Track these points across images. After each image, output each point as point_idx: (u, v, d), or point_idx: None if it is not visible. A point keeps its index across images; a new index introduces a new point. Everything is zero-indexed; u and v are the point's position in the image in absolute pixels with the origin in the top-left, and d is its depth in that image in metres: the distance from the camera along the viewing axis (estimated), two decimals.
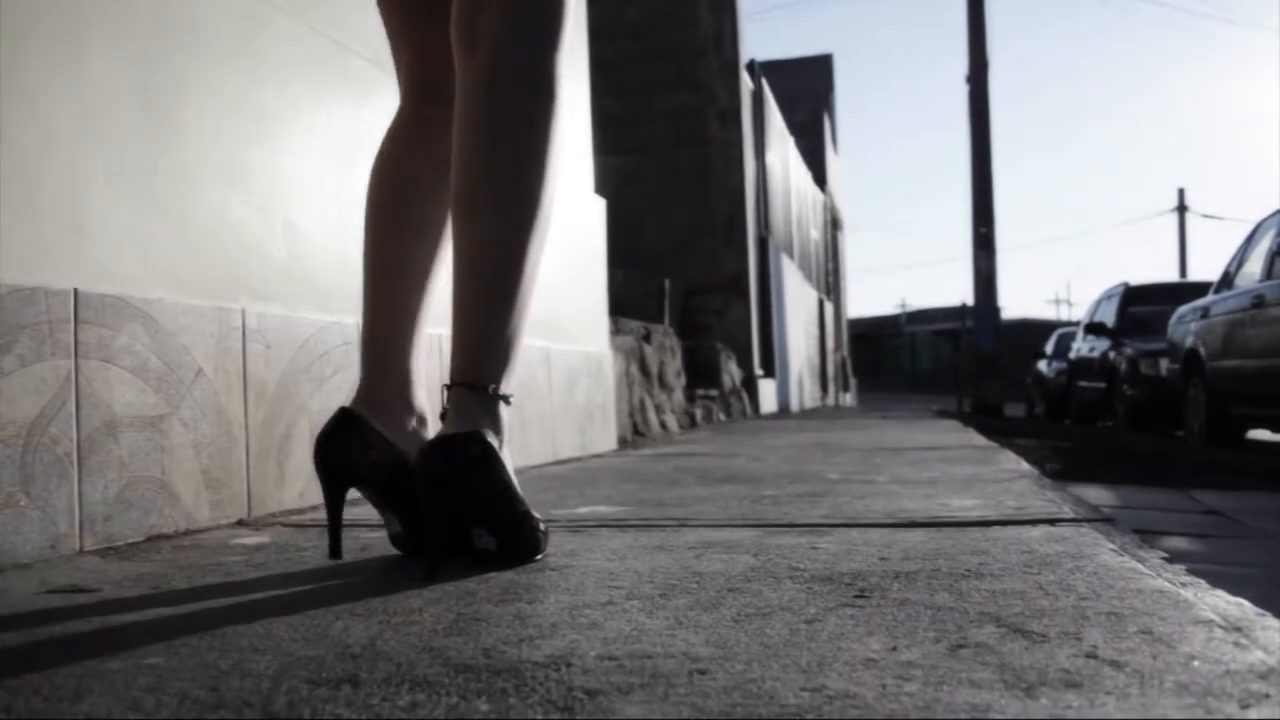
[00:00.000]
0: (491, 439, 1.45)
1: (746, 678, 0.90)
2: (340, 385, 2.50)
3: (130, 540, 1.84)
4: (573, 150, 4.41)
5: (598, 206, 4.71)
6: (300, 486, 2.33)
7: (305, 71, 2.48)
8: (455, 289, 1.53)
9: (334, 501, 1.56)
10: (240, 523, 2.12)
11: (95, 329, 1.79)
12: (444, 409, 1.49)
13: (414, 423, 1.59)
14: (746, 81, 10.65)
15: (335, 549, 1.59)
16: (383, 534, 1.88)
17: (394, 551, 1.66)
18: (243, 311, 2.19)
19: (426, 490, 1.39)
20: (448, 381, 1.50)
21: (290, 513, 2.27)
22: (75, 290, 1.76)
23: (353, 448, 1.50)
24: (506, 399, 1.51)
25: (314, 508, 2.35)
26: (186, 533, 1.97)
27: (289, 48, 2.42)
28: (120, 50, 1.91)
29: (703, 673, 0.92)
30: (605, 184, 5.07)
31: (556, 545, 1.72)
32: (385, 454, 1.51)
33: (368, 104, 2.72)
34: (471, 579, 1.41)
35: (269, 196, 2.32)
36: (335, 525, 1.58)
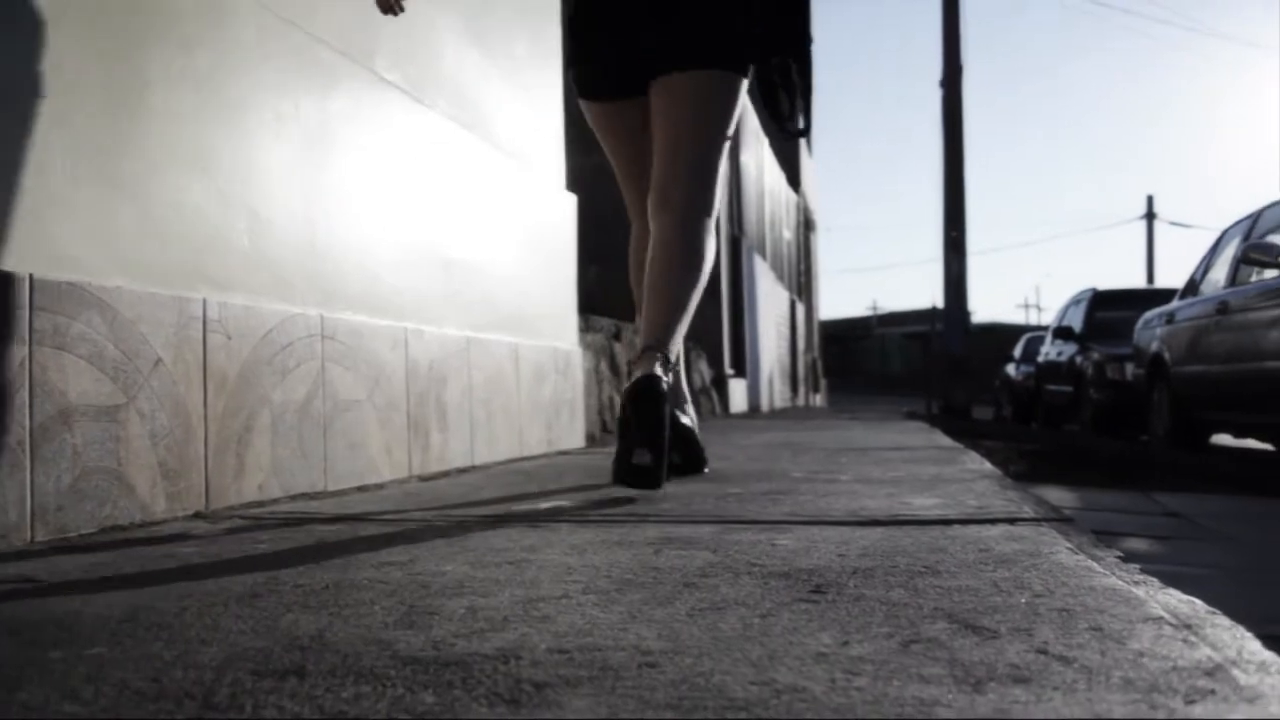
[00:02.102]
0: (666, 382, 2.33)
1: (696, 671, 0.90)
2: (304, 377, 2.48)
3: (83, 531, 1.81)
4: (543, 145, 4.40)
5: (568, 203, 4.70)
6: (260, 479, 2.31)
7: (273, 60, 2.45)
8: (653, 299, 2.49)
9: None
10: (197, 515, 2.10)
11: (51, 316, 1.76)
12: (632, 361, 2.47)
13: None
14: None
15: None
16: (338, 527, 1.87)
17: (358, 538, 1.65)
18: (204, 301, 2.16)
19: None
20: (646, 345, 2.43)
21: (249, 505, 2.24)
22: (31, 276, 1.73)
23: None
24: (670, 356, 2.38)
25: (273, 500, 2.33)
26: (142, 524, 1.94)
27: (257, 36, 2.40)
28: (85, 33, 1.88)
29: (652, 666, 0.92)
30: (579, 181, 5.05)
31: (515, 540, 1.71)
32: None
33: (336, 94, 2.70)
34: (428, 573, 1.41)
35: (233, 185, 2.29)
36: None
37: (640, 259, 2.66)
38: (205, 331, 2.16)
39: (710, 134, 2.58)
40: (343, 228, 2.71)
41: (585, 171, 8.76)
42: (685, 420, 2.75)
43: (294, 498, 2.40)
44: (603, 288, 7.19)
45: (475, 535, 1.77)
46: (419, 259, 3.15)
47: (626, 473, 2.19)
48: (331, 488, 2.57)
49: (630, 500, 2.24)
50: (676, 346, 2.44)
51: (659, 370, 2.25)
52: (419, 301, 3.13)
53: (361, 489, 2.67)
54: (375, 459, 2.81)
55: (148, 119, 2.04)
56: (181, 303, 2.10)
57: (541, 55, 4.46)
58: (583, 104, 2.81)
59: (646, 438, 2.17)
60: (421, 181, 3.19)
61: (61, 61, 1.84)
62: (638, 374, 2.25)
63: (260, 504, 2.28)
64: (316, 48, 2.63)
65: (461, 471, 3.26)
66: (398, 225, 3.03)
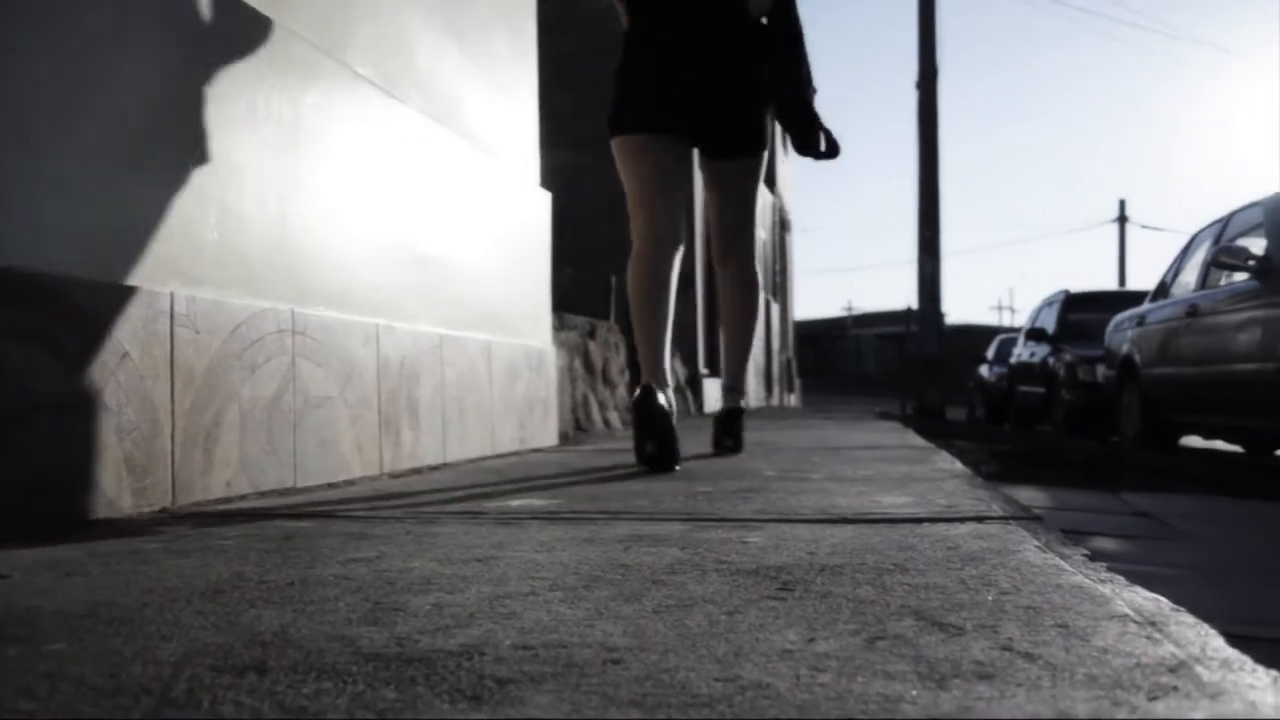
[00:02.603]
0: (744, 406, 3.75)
1: (661, 668, 0.89)
2: (274, 373, 2.46)
3: (47, 526, 1.79)
4: (519, 142, 4.39)
5: (543, 200, 4.68)
6: (228, 475, 2.29)
7: (245, 51, 2.43)
8: (730, 353, 3.69)
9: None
10: (164, 511, 2.08)
11: (16, 308, 1.74)
12: (733, 392, 3.70)
13: (670, 390, 3.17)
14: None
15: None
16: (306, 524, 1.87)
17: (326, 535, 1.64)
18: (171, 295, 2.14)
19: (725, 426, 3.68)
20: (727, 385, 3.72)
21: (217, 501, 2.22)
22: None
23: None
24: (744, 393, 3.68)
25: (241, 497, 2.31)
26: (107, 520, 1.92)
27: (230, 27, 2.37)
28: (41, 21, 1.86)
29: (617, 662, 0.91)
30: (555, 179, 5.04)
31: (484, 537, 1.70)
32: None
33: (310, 88, 2.68)
34: (395, 569, 1.39)
35: (204, 178, 2.27)
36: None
37: (655, 275, 3.16)
38: (173, 326, 2.14)
39: (755, 197, 3.53)
40: (315, 222, 2.69)
41: (561, 170, 8.70)
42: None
43: (263, 494, 2.38)
44: (577, 286, 7.17)
45: (444, 532, 1.76)
46: (392, 255, 3.14)
47: (729, 451, 3.66)
48: (301, 484, 2.55)
49: (600, 498, 2.23)
50: (746, 376, 3.83)
51: (740, 404, 3.72)
52: (392, 298, 3.12)
53: (332, 486, 2.65)
54: (346, 456, 2.79)
55: (113, 106, 2.02)
56: (149, 296, 2.07)
57: (519, 53, 4.45)
58: (625, 138, 3.23)
59: (735, 442, 3.66)
60: (395, 177, 3.17)
61: (15, 47, 1.81)
62: (728, 405, 3.69)
63: (228, 500, 2.26)
64: (290, 41, 2.61)
65: (433, 469, 3.24)
66: (371, 220, 3.01)
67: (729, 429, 3.63)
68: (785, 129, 3.40)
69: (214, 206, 2.31)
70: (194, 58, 2.25)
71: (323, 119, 2.74)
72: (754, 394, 15.08)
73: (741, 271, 3.57)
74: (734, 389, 3.69)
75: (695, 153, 3.39)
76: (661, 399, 3.00)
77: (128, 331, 2.01)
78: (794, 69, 3.34)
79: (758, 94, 3.31)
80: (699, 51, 3.19)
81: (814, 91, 3.46)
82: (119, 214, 2.03)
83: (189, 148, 2.23)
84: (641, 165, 3.20)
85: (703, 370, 10.20)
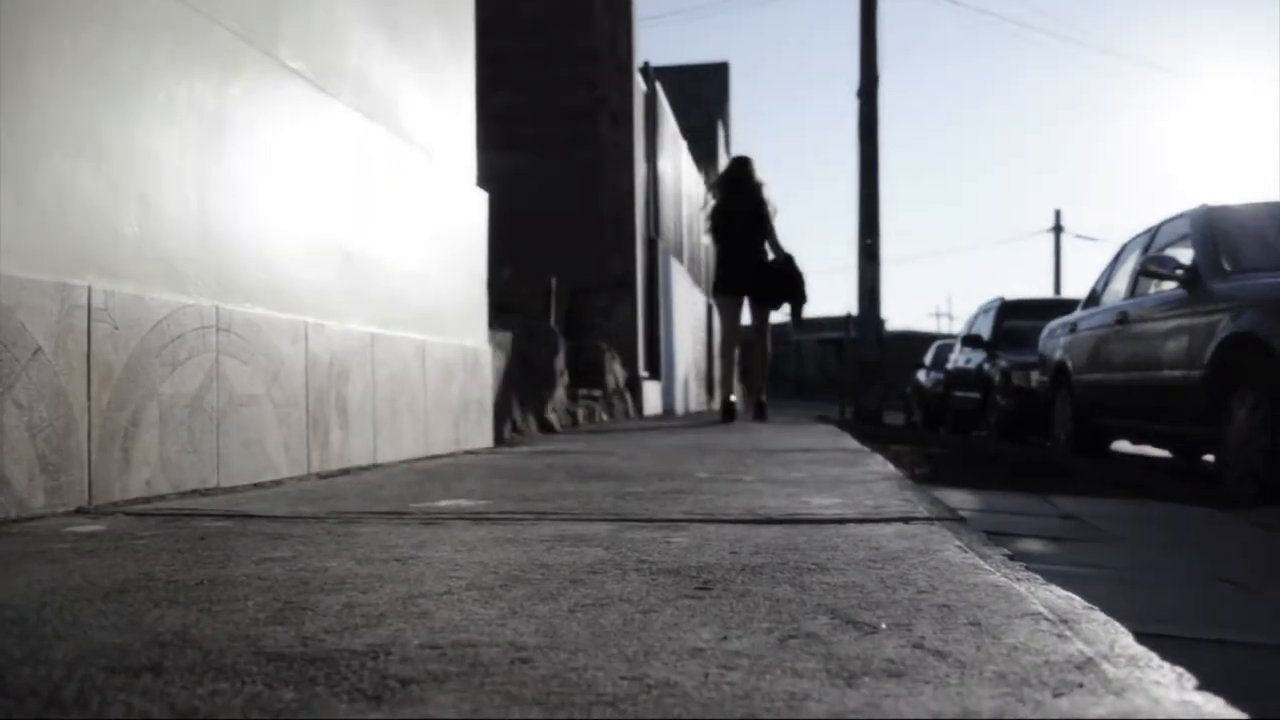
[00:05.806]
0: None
1: (569, 667, 0.88)
2: (196, 370, 2.40)
3: None
4: (455, 140, 4.35)
5: (480, 200, 4.65)
6: (147, 474, 2.23)
7: (166, 41, 2.38)
8: (754, 380, 8.73)
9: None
10: (79, 510, 2.02)
11: None
12: (757, 394, 8.65)
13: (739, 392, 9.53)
14: (640, 84, 10.65)
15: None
16: (225, 524, 1.84)
17: (243, 535, 1.60)
18: (89, 289, 2.08)
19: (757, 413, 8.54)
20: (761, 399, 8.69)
21: (135, 501, 2.17)
22: None
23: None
24: (764, 393, 8.60)
25: (161, 497, 2.25)
26: (17, 520, 1.86)
27: (149, 15, 2.32)
28: None
29: (525, 661, 0.89)
30: (494, 180, 5.01)
31: (406, 537, 1.67)
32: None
33: (235, 80, 2.63)
34: (310, 569, 1.37)
35: (122, 169, 2.22)
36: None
37: (731, 356, 7.91)
38: (90, 320, 2.08)
39: (769, 321, 7.95)
40: (240, 217, 2.64)
41: (501, 171, 8.66)
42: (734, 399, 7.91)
43: (184, 494, 2.32)
44: (516, 288, 7.13)
45: (365, 532, 1.73)
46: (322, 252, 3.09)
47: (763, 421, 8.00)
48: (225, 484, 2.50)
49: (529, 498, 2.21)
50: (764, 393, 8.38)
51: (763, 399, 8.27)
52: (321, 295, 3.07)
53: (258, 486, 2.60)
54: (272, 455, 2.74)
55: (26, 95, 1.96)
56: (64, 290, 2.02)
57: (456, 49, 4.41)
58: (720, 296, 7.73)
59: (763, 416, 8.17)
60: (325, 173, 3.12)
61: None
62: (756, 400, 8.30)
63: (147, 500, 2.20)
64: (214, 30, 2.56)
65: (363, 470, 3.19)
66: (299, 217, 2.96)
67: (760, 411, 8.00)
68: (784, 308, 7.50)
69: (133, 199, 2.25)
70: (115, 47, 2.20)
71: (249, 112, 2.69)
72: (694, 397, 15.11)
73: (763, 349, 7.88)
74: (760, 391, 8.10)
75: (746, 301, 7.60)
76: (733, 398, 7.65)
77: (41, 326, 1.95)
78: (792, 277, 7.45)
79: (775, 285, 7.44)
80: (748, 264, 7.40)
81: (803, 279, 7.53)
82: (37, 205, 1.97)
83: (107, 138, 2.18)
84: (726, 308, 7.61)
85: (642, 373, 10.20)
